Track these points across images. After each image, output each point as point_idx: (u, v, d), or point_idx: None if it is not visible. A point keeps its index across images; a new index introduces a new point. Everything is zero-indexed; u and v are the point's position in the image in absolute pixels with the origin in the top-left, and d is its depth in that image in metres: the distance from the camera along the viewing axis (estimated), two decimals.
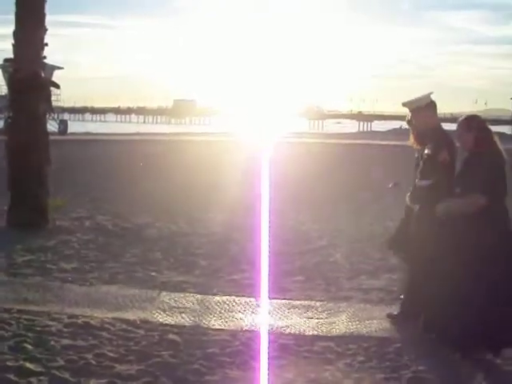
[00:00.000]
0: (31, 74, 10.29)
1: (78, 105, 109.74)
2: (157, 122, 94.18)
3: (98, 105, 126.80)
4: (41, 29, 10.55)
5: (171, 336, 5.52)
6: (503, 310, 5.03)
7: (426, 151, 5.70)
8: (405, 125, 6.63)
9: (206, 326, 5.85)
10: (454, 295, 5.05)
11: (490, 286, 4.99)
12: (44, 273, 7.57)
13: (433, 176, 5.57)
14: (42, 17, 10.60)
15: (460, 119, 5.42)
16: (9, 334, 5.48)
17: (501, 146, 5.27)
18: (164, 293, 6.62)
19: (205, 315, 6.14)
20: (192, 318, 6.03)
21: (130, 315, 6.02)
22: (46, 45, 10.62)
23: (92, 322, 5.79)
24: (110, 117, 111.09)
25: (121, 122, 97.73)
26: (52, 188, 10.88)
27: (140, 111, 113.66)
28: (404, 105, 5.84)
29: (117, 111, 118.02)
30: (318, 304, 6.52)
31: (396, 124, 65.76)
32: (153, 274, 7.53)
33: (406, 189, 6.02)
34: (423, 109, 5.74)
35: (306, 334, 5.72)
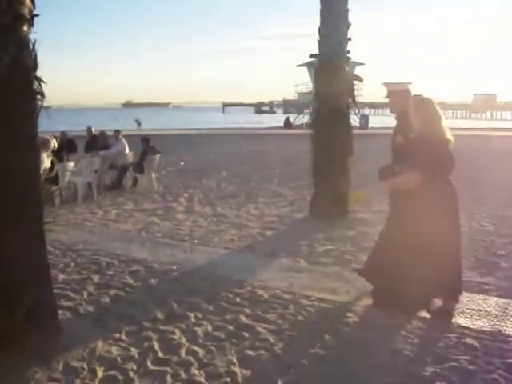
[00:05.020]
0: (334, 68, 10.58)
1: (377, 100, 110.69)
2: (456, 117, 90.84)
3: None
4: (344, 24, 10.77)
5: (469, 340, 5.21)
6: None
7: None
8: None
9: (507, 332, 5.40)
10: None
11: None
12: (343, 263, 7.74)
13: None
14: (345, 12, 10.82)
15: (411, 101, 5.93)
16: (307, 321, 5.70)
17: (446, 128, 5.72)
18: (464, 294, 6.24)
19: (506, 321, 5.67)
20: (492, 323, 5.62)
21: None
22: (350, 39, 10.81)
23: (386, 318, 5.71)
24: None
25: None
26: (353, 180, 11.09)
27: (440, 106, 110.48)
28: (384, 85, 6.55)
29: None
30: None
31: None
32: None
33: None
34: (396, 93, 6.35)
35: None
